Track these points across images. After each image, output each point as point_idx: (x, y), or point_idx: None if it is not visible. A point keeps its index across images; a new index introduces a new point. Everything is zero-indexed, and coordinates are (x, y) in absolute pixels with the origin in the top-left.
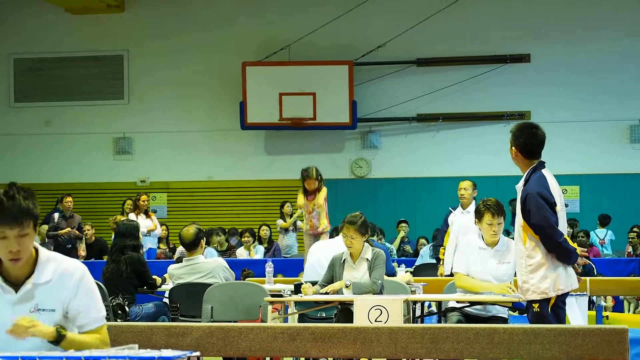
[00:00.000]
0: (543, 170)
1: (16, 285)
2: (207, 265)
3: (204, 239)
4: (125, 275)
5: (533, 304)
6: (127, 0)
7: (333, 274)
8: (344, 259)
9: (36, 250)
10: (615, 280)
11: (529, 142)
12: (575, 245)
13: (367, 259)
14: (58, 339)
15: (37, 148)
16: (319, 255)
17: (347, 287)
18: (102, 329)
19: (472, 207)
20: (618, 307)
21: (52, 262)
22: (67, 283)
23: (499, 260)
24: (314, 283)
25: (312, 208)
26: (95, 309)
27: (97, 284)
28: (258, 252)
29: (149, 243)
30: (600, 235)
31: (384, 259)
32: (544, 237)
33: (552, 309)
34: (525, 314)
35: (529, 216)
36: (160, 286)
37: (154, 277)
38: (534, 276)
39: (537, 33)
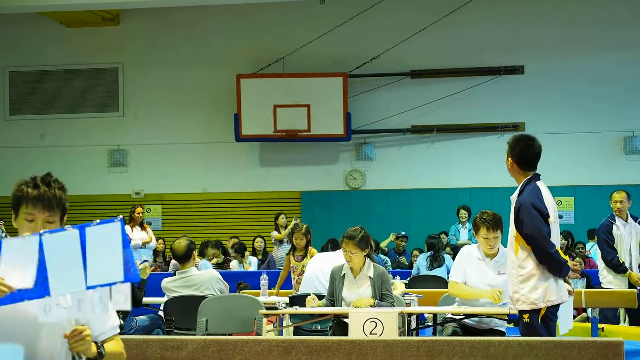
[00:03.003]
0: (537, 182)
1: None
2: (200, 278)
3: (196, 251)
4: None
5: (523, 315)
6: (122, 14)
7: (333, 286)
8: (344, 273)
9: None
10: (611, 292)
11: (524, 154)
12: (567, 257)
13: (370, 277)
14: (99, 356)
15: (32, 161)
16: (317, 268)
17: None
18: (117, 336)
19: (630, 219)
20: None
21: None
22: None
23: (498, 271)
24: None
25: (300, 270)
26: (113, 316)
27: None
28: (252, 264)
29: (144, 255)
30: (587, 247)
31: (389, 277)
32: (536, 248)
33: (542, 320)
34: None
35: (521, 226)
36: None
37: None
38: (524, 286)
39: (530, 45)
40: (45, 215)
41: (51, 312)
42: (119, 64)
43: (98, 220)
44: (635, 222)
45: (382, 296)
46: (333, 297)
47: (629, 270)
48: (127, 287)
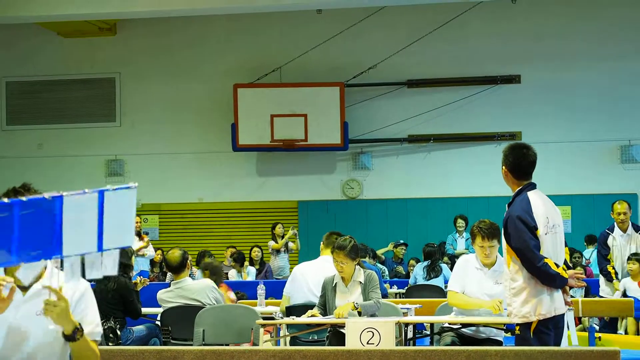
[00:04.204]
0: (530, 192)
1: (23, 288)
2: (195, 287)
3: (189, 260)
4: (111, 296)
5: (516, 326)
6: (119, 24)
7: (325, 297)
8: (335, 283)
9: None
10: (605, 301)
11: (518, 163)
12: (560, 269)
13: (360, 282)
14: (74, 336)
15: (29, 171)
16: (305, 279)
17: (356, 308)
18: (96, 343)
19: (630, 229)
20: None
21: (61, 274)
22: (74, 296)
23: (496, 280)
24: (310, 306)
25: None
26: (95, 322)
27: None
28: (250, 274)
29: (140, 266)
30: (587, 255)
31: (378, 279)
32: (524, 261)
33: (534, 333)
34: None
35: (509, 239)
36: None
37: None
38: (516, 300)
39: (527, 54)
40: None
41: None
42: (116, 74)
43: (114, 187)
44: (637, 232)
45: (368, 296)
46: (325, 307)
47: (615, 280)
48: (117, 252)
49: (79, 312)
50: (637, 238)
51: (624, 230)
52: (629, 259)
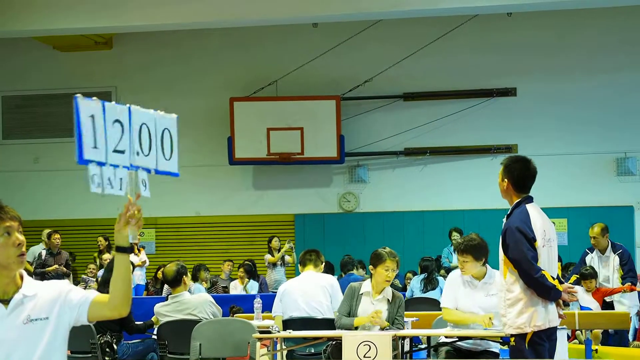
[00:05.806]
0: (528, 205)
1: (4, 301)
2: (193, 302)
3: (187, 274)
4: None
5: (510, 338)
6: (115, 38)
7: (351, 304)
8: (362, 292)
9: (20, 274)
10: (602, 313)
11: (522, 176)
12: (555, 282)
13: (388, 300)
14: (133, 247)
15: (25, 185)
16: (299, 292)
17: (384, 327)
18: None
19: (609, 250)
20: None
21: (36, 282)
22: (54, 292)
23: (487, 293)
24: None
25: None
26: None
27: None
28: (252, 289)
29: (136, 279)
30: None
31: (404, 304)
32: (521, 272)
33: (529, 345)
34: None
35: (507, 250)
36: (145, 330)
37: (138, 323)
38: (512, 310)
39: (522, 67)
40: (16, 226)
41: (31, 328)
42: (112, 88)
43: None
44: (615, 253)
45: (394, 320)
46: (349, 313)
47: None
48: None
49: (77, 292)
50: (615, 259)
51: (602, 252)
52: (584, 277)
